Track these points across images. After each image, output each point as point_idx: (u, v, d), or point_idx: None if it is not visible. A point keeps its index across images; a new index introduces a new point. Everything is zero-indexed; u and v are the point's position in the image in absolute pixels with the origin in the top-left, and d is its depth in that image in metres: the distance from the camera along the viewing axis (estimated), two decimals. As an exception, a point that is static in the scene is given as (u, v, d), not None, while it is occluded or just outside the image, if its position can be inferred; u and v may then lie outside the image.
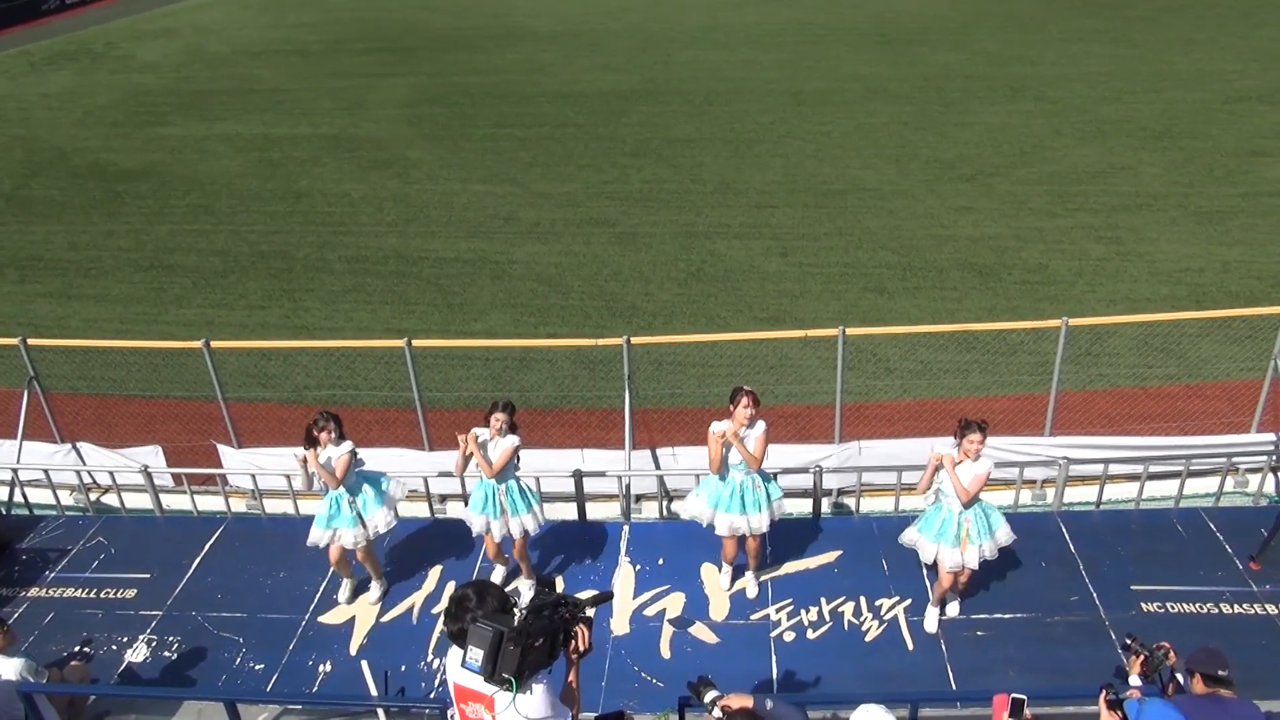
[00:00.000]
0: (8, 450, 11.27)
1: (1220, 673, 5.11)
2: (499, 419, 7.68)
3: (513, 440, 7.79)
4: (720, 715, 4.72)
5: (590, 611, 4.22)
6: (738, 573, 8.44)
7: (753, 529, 7.78)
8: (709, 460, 7.71)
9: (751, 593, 8.28)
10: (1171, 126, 22.25)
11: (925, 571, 8.40)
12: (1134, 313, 14.34)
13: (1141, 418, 11.83)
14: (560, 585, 8.71)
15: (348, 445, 7.98)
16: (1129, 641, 5.75)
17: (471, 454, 7.71)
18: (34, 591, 9.02)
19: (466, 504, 8.46)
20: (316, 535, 8.13)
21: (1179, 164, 20.21)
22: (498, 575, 8.59)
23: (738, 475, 7.61)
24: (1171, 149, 21.00)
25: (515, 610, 3.97)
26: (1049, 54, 28.56)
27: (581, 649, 4.14)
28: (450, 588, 8.68)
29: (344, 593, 8.58)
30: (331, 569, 8.56)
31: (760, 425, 7.51)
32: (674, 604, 8.38)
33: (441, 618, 8.30)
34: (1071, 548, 8.64)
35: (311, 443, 7.89)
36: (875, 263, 16.88)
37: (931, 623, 7.94)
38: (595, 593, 4.44)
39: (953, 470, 7.29)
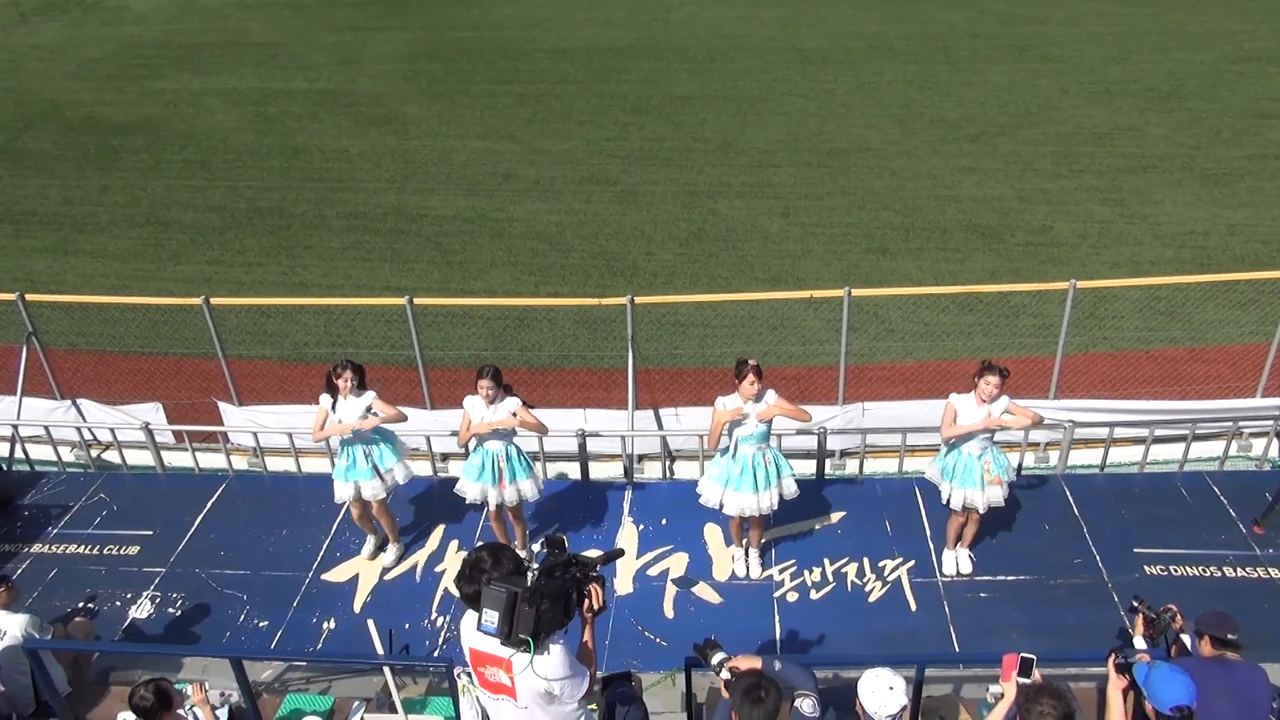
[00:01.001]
0: (7, 406, 11.22)
1: (1229, 636, 5.12)
2: (486, 385, 7.57)
3: (515, 400, 7.72)
4: (728, 677, 4.72)
5: (601, 570, 4.21)
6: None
7: (762, 508, 7.65)
8: (709, 434, 7.58)
9: (755, 573, 8.23)
10: (1179, 87, 22.02)
11: (929, 533, 8.42)
12: (1137, 276, 14.28)
13: (1144, 381, 11.82)
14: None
15: (371, 394, 7.89)
16: (1136, 604, 5.76)
17: (481, 426, 7.65)
18: (36, 548, 9.02)
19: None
20: (341, 490, 8.09)
21: (1186, 125, 20.03)
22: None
23: (748, 450, 7.49)
24: (1178, 110, 20.80)
25: (530, 572, 3.94)
26: (1058, 13, 28.18)
27: (595, 607, 4.13)
28: (454, 546, 8.70)
29: (367, 548, 8.57)
30: (335, 526, 8.55)
31: (771, 394, 7.39)
32: (677, 564, 8.40)
33: (445, 577, 8.34)
34: (1075, 510, 8.65)
35: (331, 389, 7.80)
36: (878, 223, 16.77)
37: (951, 564, 8.01)
38: (604, 551, 4.43)
39: (986, 419, 7.25)
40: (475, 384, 7.60)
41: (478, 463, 7.87)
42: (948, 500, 7.74)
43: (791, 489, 7.70)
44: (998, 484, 7.49)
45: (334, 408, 7.81)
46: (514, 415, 7.61)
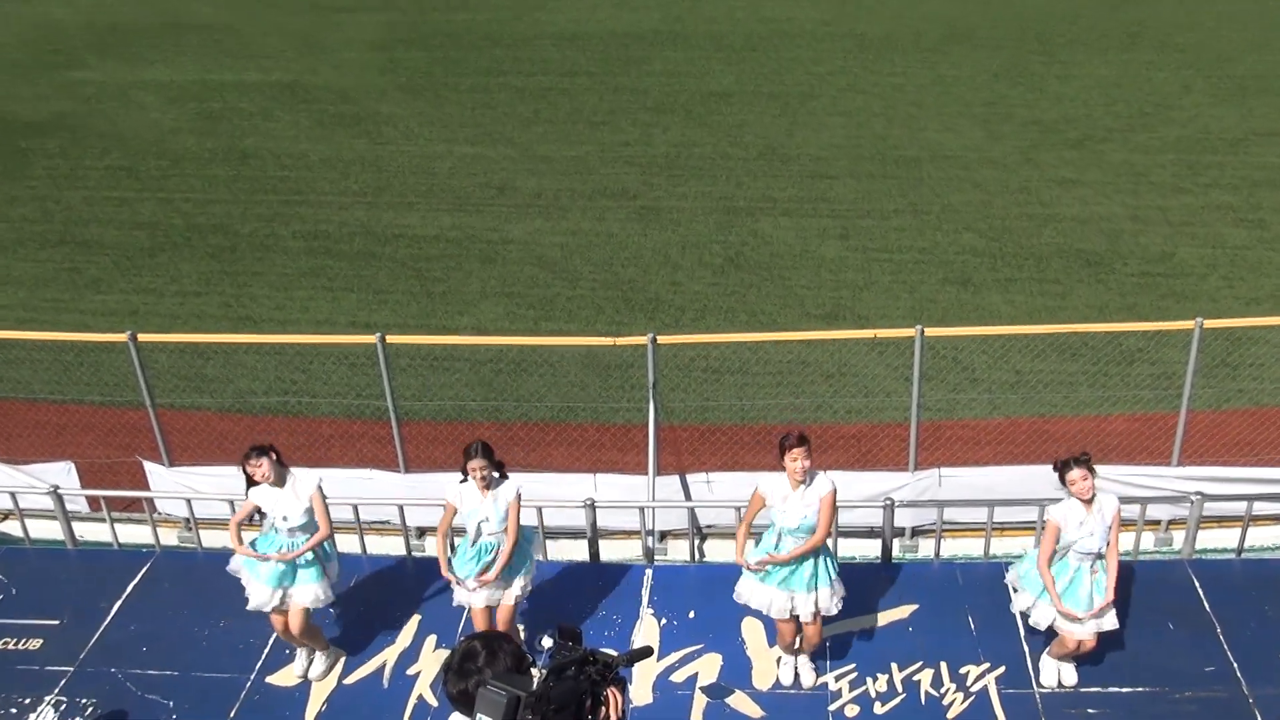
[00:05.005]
0: (-114, 465, 11.35)
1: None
2: (479, 467, 7.60)
3: (515, 485, 7.78)
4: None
5: (623, 671, 4.20)
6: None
7: (804, 611, 7.63)
8: (745, 515, 7.63)
9: (805, 680, 8.18)
10: (1330, 82, 22.13)
11: (1023, 632, 8.35)
12: (1281, 313, 14.27)
13: (1291, 445, 11.76)
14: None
15: (313, 484, 7.91)
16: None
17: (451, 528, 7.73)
18: (-84, 640, 9.07)
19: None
20: (259, 594, 8.00)
21: (1339, 129, 20.10)
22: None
23: (792, 543, 7.50)
24: (1330, 110, 20.89)
25: (533, 670, 3.94)
26: (1176, -9, 28.47)
27: (614, 718, 4.11)
28: (430, 643, 8.68)
29: (299, 664, 8.53)
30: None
31: (824, 485, 7.41)
32: (708, 667, 8.35)
33: (420, 682, 8.32)
34: (1206, 605, 8.55)
35: (252, 484, 7.87)
36: (958, 247, 16.84)
37: (1052, 673, 7.93)
38: (630, 650, 4.41)
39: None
40: (463, 466, 7.63)
41: (473, 556, 7.87)
42: (1025, 612, 7.71)
43: (826, 603, 7.65)
44: (1074, 614, 7.45)
45: (258, 507, 7.87)
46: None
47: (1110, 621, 7.56)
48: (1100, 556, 7.42)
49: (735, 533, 9.54)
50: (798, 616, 7.69)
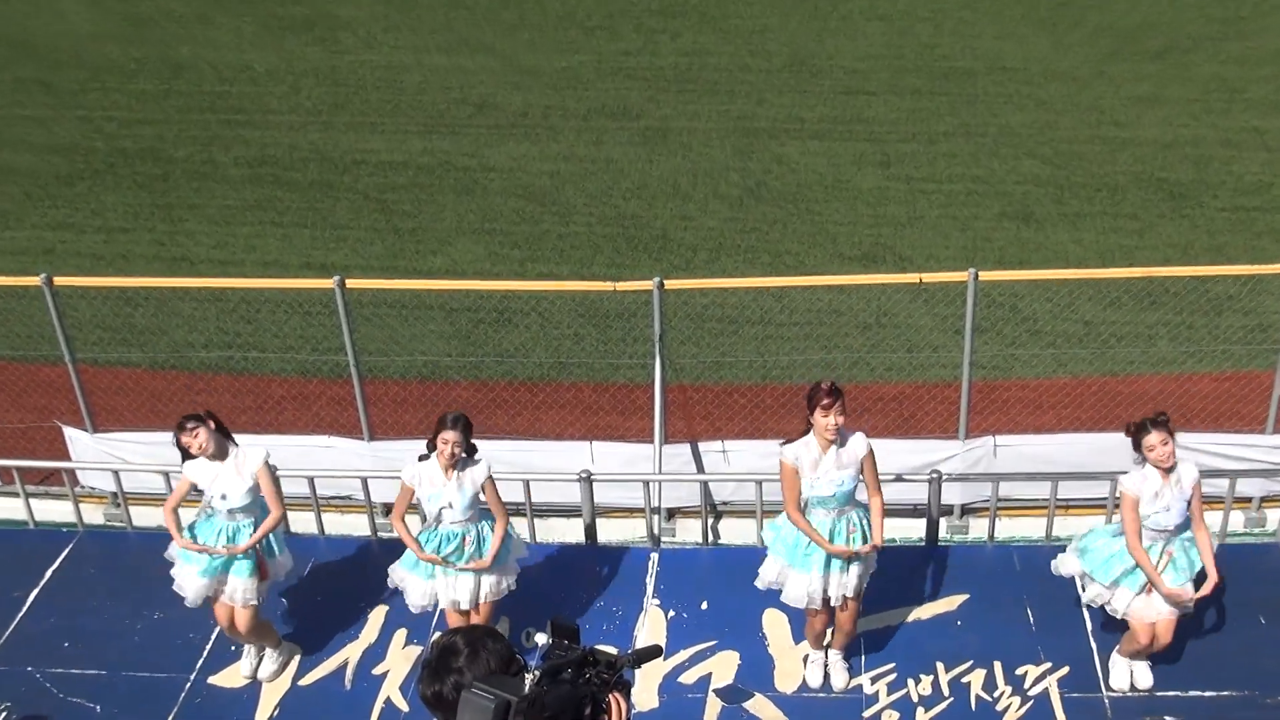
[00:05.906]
0: None
1: None
2: (451, 439, 7.53)
3: (485, 465, 7.71)
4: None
5: (626, 672, 4.21)
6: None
7: (835, 594, 7.58)
8: (785, 497, 7.42)
9: (837, 681, 8.19)
10: None
11: (1090, 626, 8.37)
12: (1399, 255, 14.22)
13: None
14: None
15: (262, 453, 7.87)
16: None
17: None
18: None
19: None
20: (189, 585, 8.01)
21: None
22: None
23: (824, 515, 7.48)
24: None
25: (524, 672, 3.94)
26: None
27: (616, 727, 4.13)
28: (399, 639, 8.72)
29: (246, 663, 8.57)
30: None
31: (860, 440, 7.37)
32: (723, 667, 8.38)
33: (388, 683, 8.36)
34: (1305, 596, 8.59)
35: (185, 456, 7.83)
36: (1018, 176, 16.77)
37: (1124, 674, 7.94)
38: (635, 649, 4.42)
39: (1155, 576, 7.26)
40: (435, 437, 7.58)
41: (428, 549, 7.83)
42: (1099, 604, 7.69)
43: (870, 566, 7.66)
44: (1180, 595, 7.38)
45: (195, 485, 7.84)
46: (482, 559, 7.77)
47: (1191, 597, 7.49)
48: (1177, 535, 7.38)
49: (757, 508, 9.63)
50: (828, 600, 7.68)
